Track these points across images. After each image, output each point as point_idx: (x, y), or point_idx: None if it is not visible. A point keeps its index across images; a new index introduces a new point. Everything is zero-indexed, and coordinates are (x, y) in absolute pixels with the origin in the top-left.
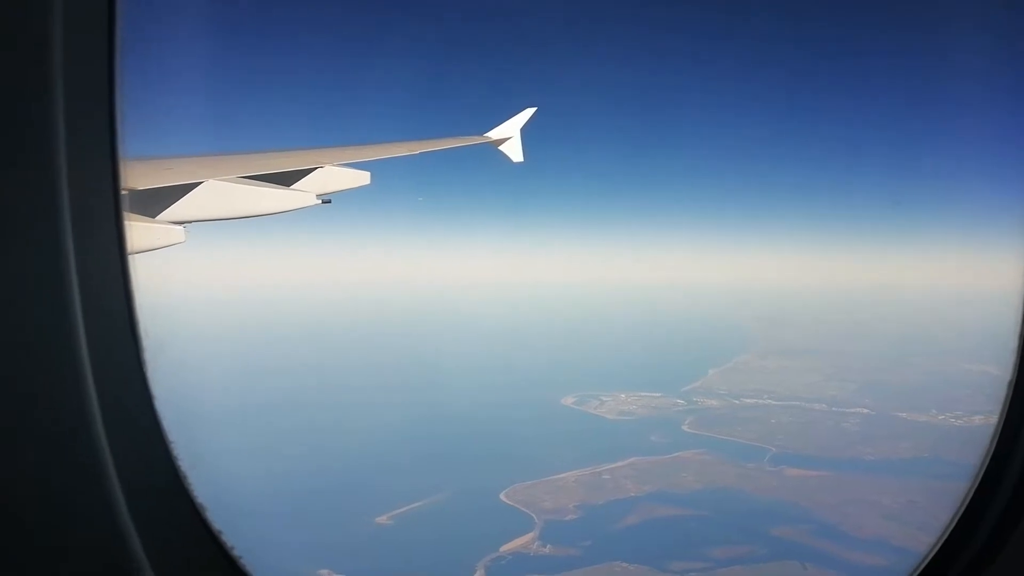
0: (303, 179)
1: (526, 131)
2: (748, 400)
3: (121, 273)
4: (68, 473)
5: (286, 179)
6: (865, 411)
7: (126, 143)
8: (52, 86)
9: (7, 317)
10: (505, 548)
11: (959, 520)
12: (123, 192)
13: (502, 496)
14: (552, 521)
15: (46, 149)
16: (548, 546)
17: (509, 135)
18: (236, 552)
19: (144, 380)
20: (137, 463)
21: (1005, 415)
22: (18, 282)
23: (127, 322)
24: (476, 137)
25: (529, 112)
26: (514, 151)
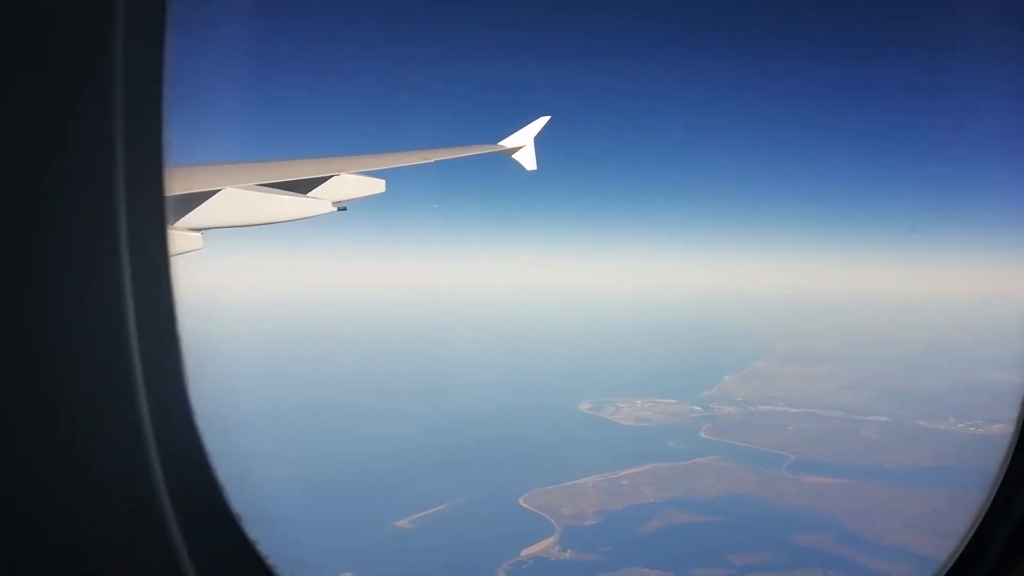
0: (319, 187)
1: (539, 140)
2: (765, 407)
3: (167, 280)
4: (117, 478)
5: (302, 187)
6: (883, 419)
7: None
8: (112, 95)
9: (66, 326)
10: (526, 553)
11: (978, 528)
12: (168, 198)
13: (521, 501)
14: (572, 526)
15: (104, 157)
16: (569, 551)
17: (523, 144)
18: (271, 561)
19: (185, 389)
20: (181, 472)
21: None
22: (74, 287)
23: (172, 330)
24: (490, 146)
25: (543, 121)
26: (528, 159)
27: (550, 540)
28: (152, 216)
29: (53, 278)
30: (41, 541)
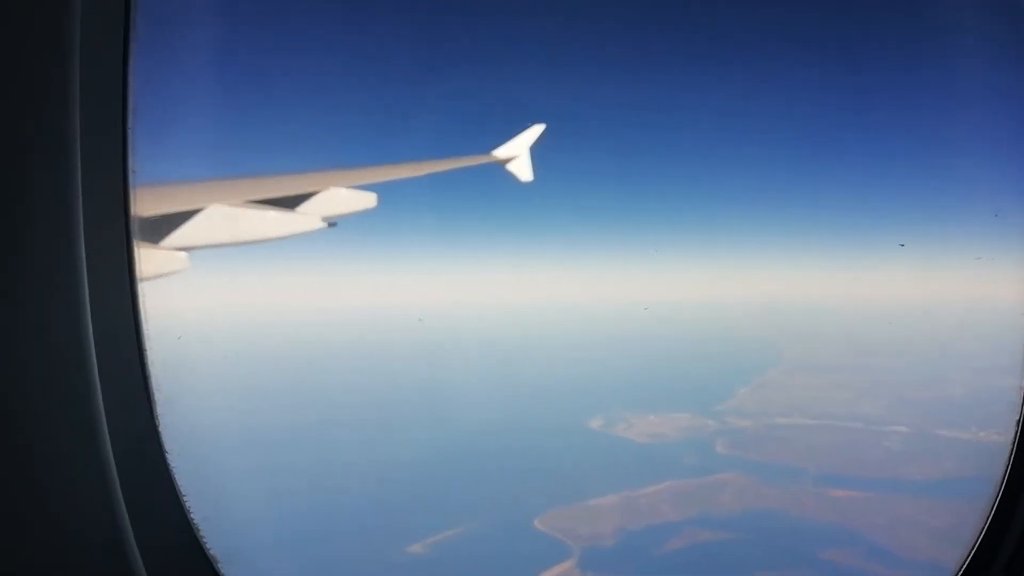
0: (307, 202)
1: (535, 149)
2: (781, 419)
3: (132, 301)
4: (82, 524)
5: (290, 203)
6: (904, 429)
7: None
8: (71, 113)
9: (23, 340)
10: None
11: (986, 531)
12: (134, 219)
13: (536, 523)
14: (591, 548)
15: (63, 174)
16: (589, 573)
17: (517, 153)
18: None
19: (152, 414)
20: (148, 509)
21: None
22: (33, 304)
23: (136, 354)
24: (483, 156)
25: (538, 129)
26: (522, 170)
27: (569, 563)
28: (114, 233)
29: (10, 298)
30: None
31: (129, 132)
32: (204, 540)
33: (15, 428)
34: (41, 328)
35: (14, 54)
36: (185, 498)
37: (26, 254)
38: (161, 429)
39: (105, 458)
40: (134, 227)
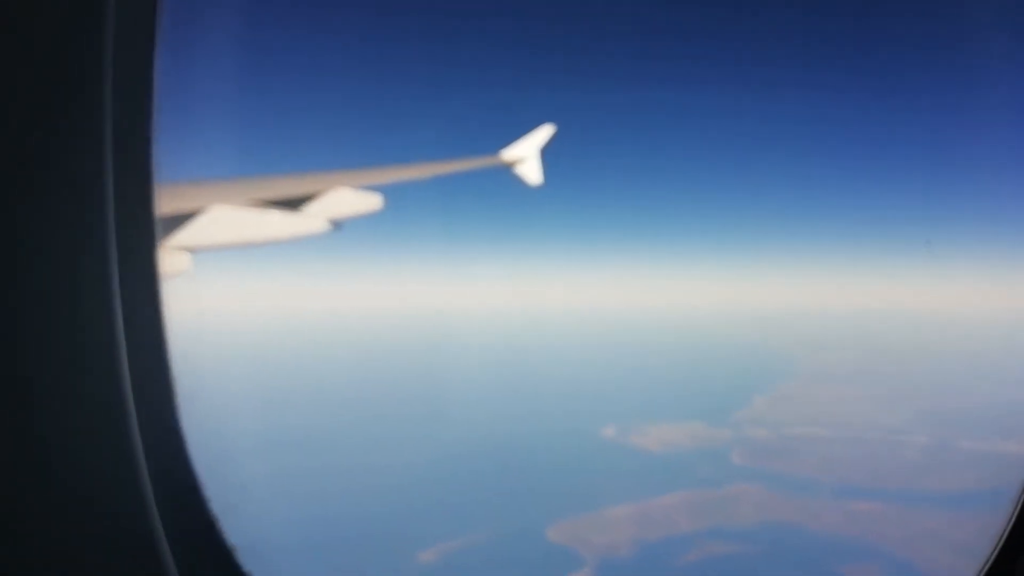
0: (312, 204)
1: (545, 151)
2: (798, 429)
3: (158, 301)
4: (109, 511)
5: (295, 204)
6: (924, 439)
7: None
8: (102, 113)
9: (54, 341)
10: None
11: (1004, 543)
12: (159, 218)
13: (549, 533)
14: (605, 559)
15: (93, 172)
16: None
17: (526, 155)
18: None
19: (177, 416)
20: (173, 504)
21: None
22: (64, 304)
23: (163, 353)
24: (490, 158)
25: (547, 131)
26: (531, 173)
27: (583, 574)
28: (142, 232)
29: (39, 296)
30: None
31: (155, 129)
32: (225, 535)
33: (51, 427)
34: (72, 328)
35: (48, 53)
36: (207, 495)
37: (55, 253)
38: (183, 429)
39: (135, 455)
40: (159, 226)
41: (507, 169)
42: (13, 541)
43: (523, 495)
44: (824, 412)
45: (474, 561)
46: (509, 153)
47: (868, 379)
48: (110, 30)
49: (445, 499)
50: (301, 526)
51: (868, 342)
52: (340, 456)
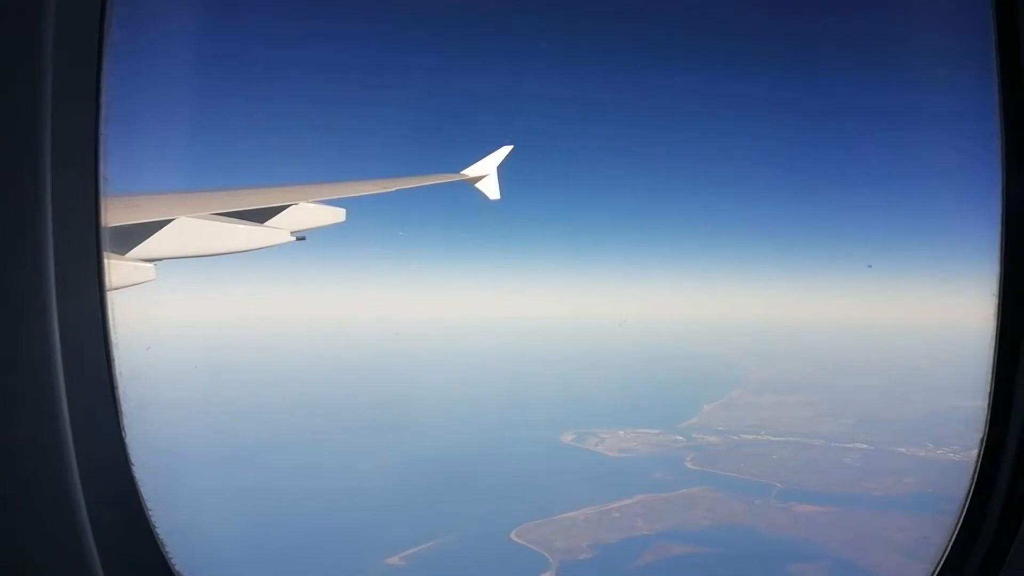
0: (277, 216)
1: (503, 168)
2: (747, 436)
3: (100, 312)
4: (40, 517)
5: (259, 216)
6: (864, 446)
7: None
8: (42, 123)
9: None
10: None
11: (952, 546)
12: (104, 228)
13: (512, 535)
14: (568, 561)
15: (32, 183)
16: None
17: (486, 173)
18: None
19: (118, 422)
20: (113, 526)
21: (985, 440)
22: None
23: (105, 365)
24: (452, 175)
25: (506, 149)
26: (491, 189)
27: (547, 575)
28: (84, 240)
29: None
30: None
31: (102, 139)
32: (169, 556)
33: None
34: (7, 337)
35: None
36: (151, 511)
37: None
38: (128, 441)
39: (70, 470)
40: (104, 236)
41: (468, 185)
42: None
43: (487, 498)
44: (771, 420)
45: (441, 564)
46: (470, 170)
47: (812, 389)
48: (51, 33)
49: (411, 505)
50: (261, 535)
51: (812, 354)
52: (303, 464)
